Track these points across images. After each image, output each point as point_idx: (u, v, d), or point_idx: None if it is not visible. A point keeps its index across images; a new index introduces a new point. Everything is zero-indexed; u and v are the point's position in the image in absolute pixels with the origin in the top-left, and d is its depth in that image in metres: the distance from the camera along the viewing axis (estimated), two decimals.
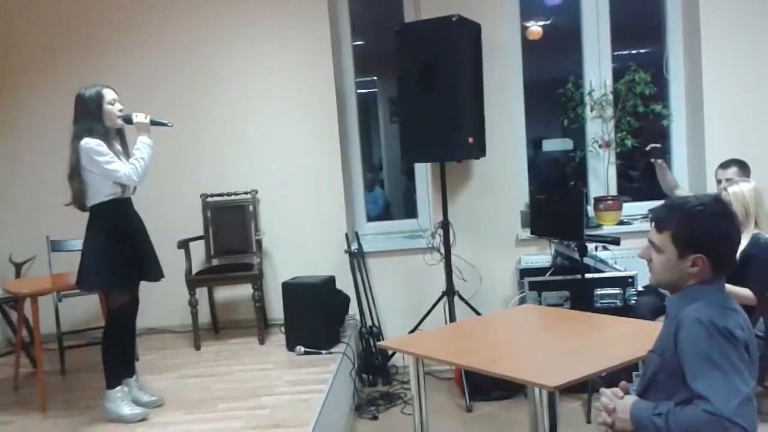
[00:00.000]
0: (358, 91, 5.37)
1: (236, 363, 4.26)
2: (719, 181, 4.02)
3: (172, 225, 4.76)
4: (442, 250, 4.60)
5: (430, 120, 4.29)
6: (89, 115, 3.31)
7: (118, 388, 3.43)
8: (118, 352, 3.48)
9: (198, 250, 4.90)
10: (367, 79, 6.13)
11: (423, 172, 5.17)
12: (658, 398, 1.86)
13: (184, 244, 4.62)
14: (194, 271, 4.70)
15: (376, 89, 6.75)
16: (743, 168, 4.01)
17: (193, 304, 4.59)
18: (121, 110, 3.40)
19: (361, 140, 5.37)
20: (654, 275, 1.98)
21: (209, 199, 5.01)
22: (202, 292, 4.81)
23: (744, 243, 3.46)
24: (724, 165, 4.09)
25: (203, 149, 5.04)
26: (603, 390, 1.97)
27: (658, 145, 4.49)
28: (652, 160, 4.44)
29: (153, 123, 3.46)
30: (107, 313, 3.51)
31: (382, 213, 6.33)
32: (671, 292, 1.97)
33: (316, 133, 4.97)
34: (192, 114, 4.95)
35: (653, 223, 1.96)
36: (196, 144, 5.02)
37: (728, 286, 2.03)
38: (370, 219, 5.51)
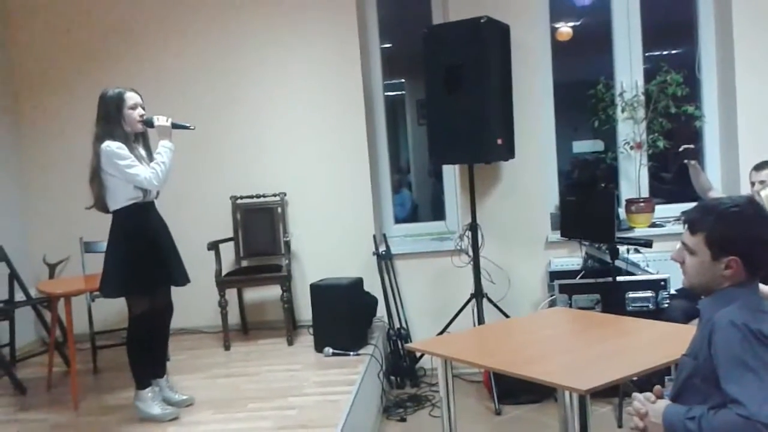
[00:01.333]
0: (386, 93, 5.37)
1: (265, 363, 4.29)
2: (753, 183, 3.95)
3: (202, 227, 4.82)
4: (471, 252, 4.58)
5: (458, 122, 4.28)
6: (110, 118, 3.31)
7: (149, 388, 3.47)
8: (143, 356, 3.50)
9: (228, 251, 4.94)
10: (394, 81, 6.13)
11: (451, 174, 5.16)
12: (691, 402, 1.83)
13: (214, 246, 4.67)
14: (224, 272, 4.74)
15: (403, 92, 6.74)
16: None
17: (222, 305, 4.63)
18: (142, 114, 3.38)
19: (388, 142, 5.37)
20: (687, 278, 1.95)
21: (239, 201, 5.05)
22: (231, 293, 4.86)
23: None
24: (759, 167, 4.01)
25: (232, 152, 5.09)
26: (635, 394, 1.95)
27: (692, 146, 4.42)
28: (686, 161, 4.38)
29: (174, 126, 3.43)
30: (129, 319, 3.49)
31: (409, 215, 6.32)
32: (704, 295, 1.94)
33: (345, 136, 4.99)
34: (221, 117, 5.00)
35: (686, 225, 1.93)
36: (225, 147, 5.07)
37: (762, 287, 2.00)
38: (397, 221, 5.51)
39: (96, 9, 5.12)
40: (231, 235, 5.03)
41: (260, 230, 5.06)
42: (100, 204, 3.37)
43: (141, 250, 3.38)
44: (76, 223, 4.86)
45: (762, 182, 3.87)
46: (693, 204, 2.05)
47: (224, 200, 5.04)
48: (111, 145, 3.25)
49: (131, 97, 3.37)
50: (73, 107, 5.08)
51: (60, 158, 5.17)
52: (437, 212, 5.56)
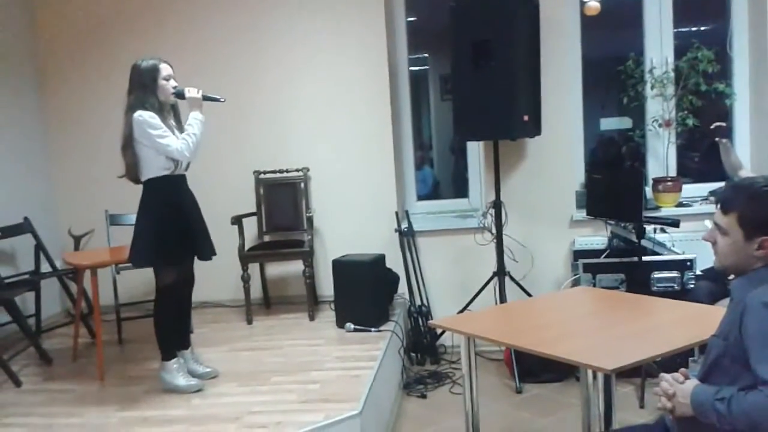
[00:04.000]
0: (410, 68, 5.31)
1: (287, 338, 4.32)
2: None
3: (225, 201, 4.83)
4: (494, 230, 4.55)
5: (484, 98, 4.23)
6: (144, 88, 3.32)
7: (174, 359, 3.50)
8: (169, 327, 3.54)
9: (251, 226, 4.96)
10: (418, 56, 6.06)
11: (475, 150, 5.11)
12: (719, 383, 1.80)
13: (237, 221, 4.68)
14: (247, 247, 4.76)
15: (427, 66, 6.67)
16: None
17: (245, 279, 4.65)
18: (174, 87, 3.41)
19: (411, 118, 5.33)
20: (719, 258, 1.92)
21: (262, 176, 5.05)
22: (254, 268, 4.88)
23: None
24: None
25: (256, 127, 5.08)
26: (663, 374, 1.92)
27: (723, 124, 4.32)
28: (717, 139, 4.29)
29: (205, 98, 3.45)
30: (157, 290, 3.54)
31: (430, 192, 6.29)
32: (736, 276, 1.91)
33: (368, 111, 4.95)
34: (244, 92, 4.99)
35: (719, 205, 1.90)
36: (248, 121, 5.06)
37: None
38: (419, 198, 5.48)
39: None
40: (254, 209, 5.04)
41: (283, 205, 5.07)
42: (132, 173, 3.39)
43: (171, 221, 3.41)
44: (101, 196, 4.92)
45: None
46: (721, 183, 2.01)
47: (247, 175, 5.04)
48: (144, 115, 3.27)
49: (165, 68, 3.39)
50: (98, 81, 5.11)
51: (85, 132, 5.21)
52: (459, 189, 5.52)
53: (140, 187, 3.44)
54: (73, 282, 4.47)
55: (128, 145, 3.33)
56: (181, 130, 3.45)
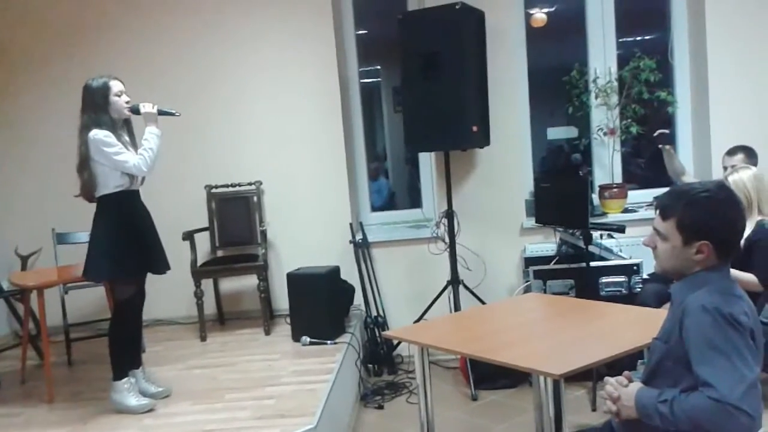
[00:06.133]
0: (362, 80, 5.35)
1: (242, 354, 4.27)
2: (725, 168, 4.00)
3: (176, 216, 4.77)
4: (447, 240, 4.60)
5: (434, 109, 4.28)
6: (96, 106, 3.32)
7: (125, 379, 3.44)
8: (124, 344, 3.49)
9: (203, 241, 4.91)
10: (370, 68, 6.10)
11: (427, 161, 5.16)
12: (663, 385, 1.85)
13: (189, 236, 4.63)
14: (199, 262, 4.71)
15: (379, 78, 6.72)
16: (750, 155, 3.99)
17: (198, 295, 4.60)
18: (128, 102, 3.40)
19: (365, 130, 5.36)
20: (659, 262, 1.97)
21: (214, 190, 5.01)
22: (207, 284, 4.82)
23: (748, 230, 3.45)
24: (731, 152, 4.06)
25: (207, 141, 5.04)
26: (607, 378, 1.97)
27: (666, 131, 4.47)
28: (660, 146, 4.42)
29: (160, 113, 3.46)
30: (114, 305, 3.52)
31: (386, 203, 6.32)
32: (676, 280, 1.96)
33: (320, 124, 4.96)
34: (195, 106, 4.94)
35: (658, 211, 1.95)
36: (199, 135, 5.01)
37: (733, 272, 2.03)
38: (374, 209, 5.51)
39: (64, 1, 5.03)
40: (206, 224, 4.99)
41: (236, 219, 5.03)
42: (88, 192, 3.37)
43: (129, 235, 3.39)
44: (48, 214, 4.82)
45: (734, 167, 3.92)
46: (666, 189, 2.07)
47: (199, 189, 5.00)
48: (98, 134, 3.26)
49: (116, 84, 3.39)
50: (44, 97, 5.01)
51: (31, 150, 5.09)
52: (414, 200, 5.56)
53: (91, 205, 3.41)
54: (21, 303, 4.36)
55: (85, 164, 3.31)
56: (136, 145, 3.44)
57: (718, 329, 1.74)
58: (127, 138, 3.45)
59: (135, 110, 3.42)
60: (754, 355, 1.77)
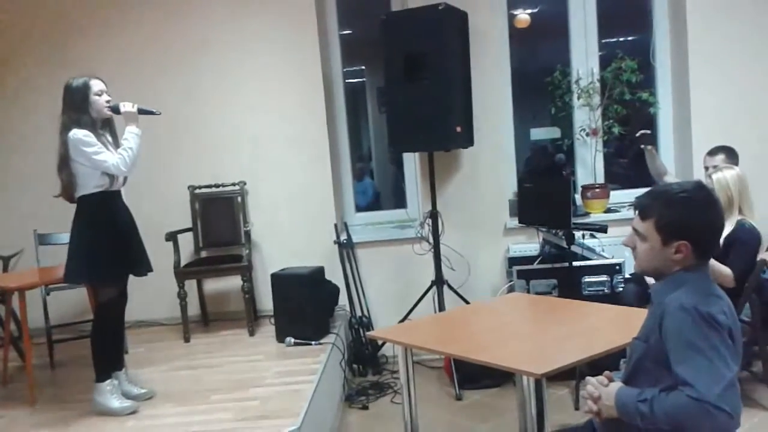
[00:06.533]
0: (347, 80, 5.35)
1: (226, 355, 4.26)
2: (707, 168, 4.04)
3: (160, 217, 4.75)
4: (431, 240, 4.61)
5: (417, 109, 4.28)
6: (76, 106, 3.30)
7: (108, 381, 3.42)
8: (107, 346, 3.47)
9: (186, 242, 4.89)
10: (355, 68, 6.10)
11: (411, 161, 5.17)
12: (643, 385, 1.87)
13: (172, 237, 4.61)
14: (183, 263, 4.69)
15: (364, 78, 6.72)
16: (731, 155, 4.03)
17: (182, 296, 4.58)
18: (108, 101, 3.38)
19: (350, 130, 5.36)
20: (638, 263, 1.99)
21: (197, 191, 4.99)
22: (191, 285, 4.81)
23: (728, 229, 3.50)
24: (712, 152, 4.11)
25: (191, 141, 5.02)
26: (588, 378, 1.99)
27: (648, 132, 4.50)
28: (642, 146, 4.46)
29: (141, 112, 3.44)
30: (96, 307, 3.50)
31: (371, 203, 6.32)
32: (656, 279, 1.98)
33: (305, 123, 4.95)
34: (179, 105, 4.92)
35: (637, 211, 1.96)
36: (183, 136, 4.99)
37: (711, 261, 2.04)
38: (360, 209, 5.51)
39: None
40: (189, 225, 4.97)
41: (219, 220, 5.01)
42: (68, 193, 3.34)
43: (109, 237, 3.37)
44: (30, 215, 4.78)
45: (715, 167, 3.96)
46: (648, 189, 2.09)
47: (182, 190, 4.97)
48: (78, 133, 3.23)
49: (96, 84, 3.36)
50: (25, 97, 4.96)
51: (12, 151, 5.04)
52: (399, 200, 5.57)
53: (72, 206, 3.38)
54: (2, 304, 4.32)
55: (64, 164, 3.29)
56: (117, 145, 3.41)
57: (697, 329, 1.76)
58: (108, 138, 3.43)
59: (115, 109, 3.39)
60: (733, 354, 1.79)
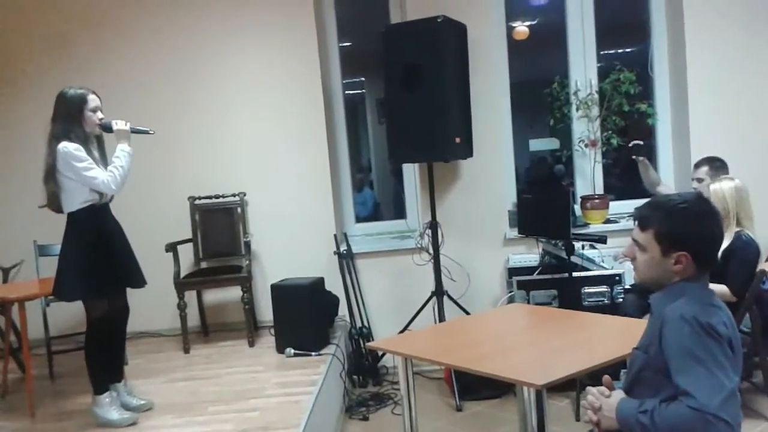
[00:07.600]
0: (346, 92, 5.37)
1: (226, 366, 4.26)
2: (693, 180, 4.08)
3: (160, 228, 4.76)
4: (431, 250, 4.61)
5: (416, 120, 4.30)
6: (69, 117, 3.24)
7: (106, 393, 3.41)
8: (101, 360, 3.44)
9: (186, 253, 4.89)
10: (354, 80, 6.13)
11: (411, 172, 5.18)
12: (643, 395, 1.87)
13: (172, 248, 4.62)
14: (183, 274, 4.70)
15: (363, 90, 6.75)
16: (714, 166, 4.00)
17: (182, 307, 4.58)
18: (101, 119, 3.33)
19: (349, 141, 5.38)
20: (638, 273, 2.00)
21: (197, 201, 5.00)
22: (191, 295, 4.81)
23: (726, 241, 3.50)
24: (697, 164, 4.13)
25: (191, 152, 5.03)
26: (589, 388, 1.99)
27: (640, 142, 4.52)
28: (634, 157, 4.48)
29: (134, 131, 3.39)
30: (87, 322, 3.44)
31: (371, 214, 6.33)
32: (655, 290, 1.98)
33: (304, 135, 4.97)
34: (179, 117, 4.95)
35: (636, 222, 1.97)
36: (182, 147, 5.01)
37: (712, 285, 2.05)
38: (360, 220, 5.52)
39: (48, 12, 5.00)
40: (189, 236, 4.97)
41: (219, 231, 5.02)
42: (54, 204, 3.30)
43: (97, 253, 3.33)
44: (29, 226, 4.77)
45: (699, 180, 3.98)
46: (647, 200, 2.10)
47: (182, 201, 4.98)
48: (68, 146, 3.18)
49: (93, 99, 3.31)
50: (26, 108, 4.97)
51: (13, 160, 5.05)
52: (399, 211, 5.58)
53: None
54: (2, 315, 4.31)
55: (51, 175, 3.24)
56: (106, 162, 3.36)
57: (697, 339, 1.76)
58: (96, 154, 3.36)
59: (107, 127, 3.34)
60: (733, 364, 1.79)
